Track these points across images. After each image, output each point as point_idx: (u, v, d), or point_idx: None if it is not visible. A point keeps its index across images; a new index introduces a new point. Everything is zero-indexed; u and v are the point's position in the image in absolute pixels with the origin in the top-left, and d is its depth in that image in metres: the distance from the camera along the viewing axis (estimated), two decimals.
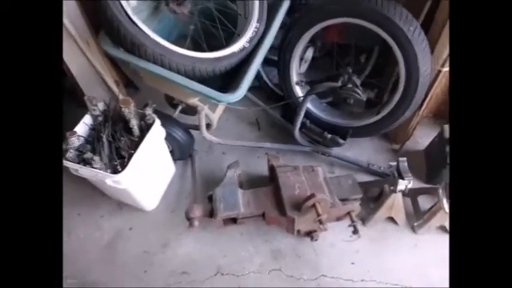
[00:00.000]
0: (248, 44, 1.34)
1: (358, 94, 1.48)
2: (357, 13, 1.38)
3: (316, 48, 1.71)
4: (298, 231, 1.44)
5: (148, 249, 1.54)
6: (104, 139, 1.34)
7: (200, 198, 1.63)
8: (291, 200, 1.37)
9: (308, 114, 1.73)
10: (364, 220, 1.57)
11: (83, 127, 1.38)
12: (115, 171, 1.30)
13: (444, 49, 1.37)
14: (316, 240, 1.49)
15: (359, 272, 1.45)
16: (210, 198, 1.44)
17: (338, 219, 1.45)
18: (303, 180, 1.44)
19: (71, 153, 1.30)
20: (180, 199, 1.68)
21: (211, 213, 1.41)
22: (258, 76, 1.92)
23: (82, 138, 1.36)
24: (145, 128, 1.40)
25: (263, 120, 1.95)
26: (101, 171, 1.29)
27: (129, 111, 1.32)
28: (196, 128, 1.62)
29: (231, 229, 1.53)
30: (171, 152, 1.65)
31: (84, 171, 1.32)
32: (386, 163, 1.71)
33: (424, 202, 1.60)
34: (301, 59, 1.67)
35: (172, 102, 1.67)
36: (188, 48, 1.25)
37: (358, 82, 1.55)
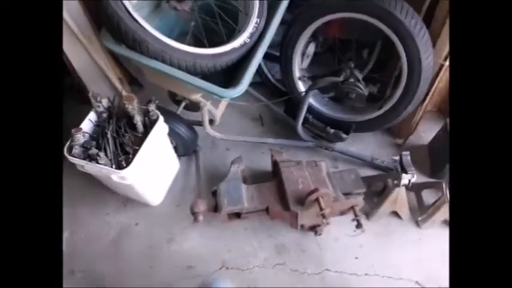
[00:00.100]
0: (249, 40, 1.34)
1: (360, 88, 1.48)
2: (358, 8, 1.38)
3: (318, 44, 1.71)
4: (302, 225, 1.45)
5: (154, 244, 1.56)
6: (109, 135, 1.36)
7: (204, 193, 1.65)
8: (294, 195, 1.38)
9: (311, 110, 1.74)
10: (368, 215, 1.58)
11: (88, 124, 1.40)
12: (120, 167, 1.32)
13: (446, 43, 1.37)
14: (320, 234, 1.50)
15: (363, 266, 1.46)
16: (214, 193, 1.46)
17: (342, 213, 1.45)
18: (306, 175, 1.44)
19: (76, 150, 1.33)
20: (185, 194, 1.70)
21: (215, 208, 1.43)
22: (260, 72, 1.93)
23: (87, 135, 1.38)
24: (149, 124, 1.42)
25: (266, 116, 1.96)
26: (106, 167, 1.31)
27: (133, 107, 1.34)
28: (200, 124, 1.64)
29: (235, 224, 1.54)
30: (175, 148, 1.67)
31: (90, 167, 1.34)
32: (389, 158, 1.71)
33: (428, 196, 1.59)
34: (303, 54, 1.67)
35: (175, 99, 1.69)
36: (189, 44, 1.26)
37: (360, 77, 1.55)
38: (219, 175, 1.64)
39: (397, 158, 1.44)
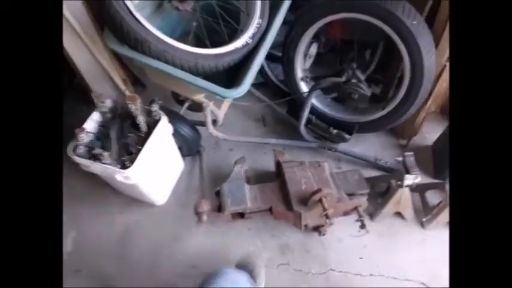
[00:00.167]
0: (251, 40, 1.35)
1: (362, 89, 1.48)
2: (360, 8, 1.38)
3: (321, 44, 1.71)
4: (306, 226, 1.44)
5: (159, 244, 1.56)
6: (112, 135, 1.37)
7: (208, 193, 1.65)
8: (297, 195, 1.38)
9: (313, 110, 1.74)
10: (372, 215, 1.57)
11: (91, 124, 1.41)
12: (124, 167, 1.32)
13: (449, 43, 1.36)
14: (324, 235, 1.49)
15: (367, 267, 1.45)
16: (218, 194, 1.46)
17: (345, 214, 1.45)
18: (309, 175, 1.44)
19: (80, 150, 1.33)
20: (189, 194, 1.70)
21: (219, 208, 1.43)
22: (263, 72, 1.93)
23: (91, 135, 1.39)
24: (152, 124, 1.42)
25: (269, 117, 1.96)
26: (111, 167, 1.31)
27: (136, 107, 1.34)
28: (203, 124, 1.64)
29: (239, 224, 1.54)
30: (179, 148, 1.67)
31: (94, 167, 1.35)
32: (393, 158, 1.70)
33: (433, 197, 1.58)
34: (306, 54, 1.68)
35: (178, 99, 1.69)
36: (191, 45, 1.26)
37: (362, 77, 1.55)
38: (222, 175, 1.64)
39: (401, 158, 1.44)
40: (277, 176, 1.54)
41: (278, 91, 1.95)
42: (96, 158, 1.31)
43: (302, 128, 1.69)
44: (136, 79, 1.95)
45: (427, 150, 1.77)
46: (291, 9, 1.50)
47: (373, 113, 1.66)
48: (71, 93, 1.90)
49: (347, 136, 1.68)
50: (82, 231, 1.62)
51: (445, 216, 1.46)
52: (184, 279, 1.46)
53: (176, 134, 1.57)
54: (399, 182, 1.43)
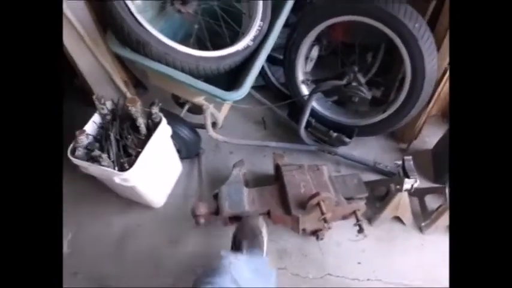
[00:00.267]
0: (252, 43, 1.35)
1: (363, 92, 1.48)
2: (361, 11, 1.37)
3: (322, 47, 1.71)
4: (304, 230, 1.44)
5: (157, 246, 1.56)
6: (112, 137, 1.37)
7: (206, 196, 1.65)
8: (295, 199, 1.37)
9: (314, 113, 1.73)
10: (370, 219, 1.56)
11: (91, 126, 1.41)
12: (122, 169, 1.32)
13: None
14: (321, 239, 1.49)
15: (365, 272, 1.45)
16: (216, 196, 1.46)
17: (344, 218, 1.44)
18: (308, 179, 1.44)
19: (79, 152, 1.34)
20: (187, 197, 1.70)
21: (216, 211, 1.43)
22: (264, 75, 1.93)
23: (91, 137, 1.39)
24: (152, 127, 1.42)
25: (269, 120, 1.96)
26: (109, 169, 1.32)
27: (136, 109, 1.35)
28: (203, 126, 1.64)
29: None
30: (178, 150, 1.68)
31: (93, 169, 1.35)
32: (393, 162, 1.69)
33: (432, 202, 1.58)
34: (307, 57, 1.67)
35: (179, 102, 1.70)
36: (193, 47, 1.27)
37: (363, 80, 1.54)
38: (221, 178, 1.64)
39: (400, 162, 1.43)
40: (276, 180, 1.54)
41: (279, 94, 1.95)
42: (94, 160, 1.31)
43: (302, 131, 1.69)
44: (138, 81, 1.95)
45: (427, 154, 1.77)
46: (293, 11, 1.50)
47: (373, 116, 1.66)
48: (71, 94, 1.91)
49: (347, 139, 1.68)
50: (80, 233, 1.63)
51: (444, 220, 1.46)
52: (181, 281, 1.45)
53: (176, 136, 1.57)
54: (398, 186, 1.42)
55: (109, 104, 1.43)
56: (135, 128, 1.41)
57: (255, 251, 1.26)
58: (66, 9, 1.34)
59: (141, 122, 1.39)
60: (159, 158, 1.48)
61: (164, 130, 1.45)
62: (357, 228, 1.36)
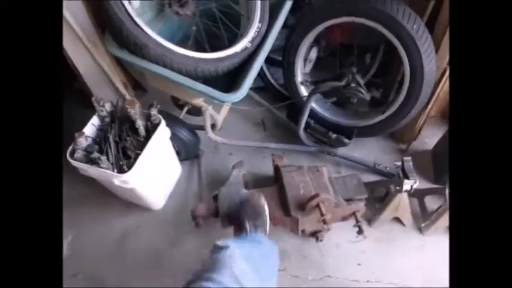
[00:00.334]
0: (250, 44, 1.35)
1: (362, 93, 1.48)
2: (360, 12, 1.38)
3: (321, 48, 1.71)
4: (303, 231, 1.44)
5: (156, 248, 1.56)
6: (111, 139, 1.37)
7: (206, 197, 1.65)
8: (295, 200, 1.37)
9: (313, 114, 1.73)
10: (370, 221, 1.56)
11: (91, 128, 1.42)
12: (121, 171, 1.32)
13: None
14: (321, 240, 1.49)
15: (365, 273, 1.44)
16: (216, 198, 1.46)
17: (343, 219, 1.44)
18: (307, 180, 1.44)
19: (79, 154, 1.34)
20: (187, 199, 1.70)
21: (216, 212, 1.43)
22: (263, 76, 1.93)
23: (90, 139, 1.39)
24: (151, 129, 1.42)
25: (269, 121, 1.96)
26: (108, 171, 1.32)
27: (135, 111, 1.35)
28: (202, 128, 1.64)
29: None
30: (178, 152, 1.68)
31: (92, 171, 1.35)
32: (393, 163, 1.69)
33: (432, 202, 1.57)
34: (306, 59, 1.68)
35: (178, 103, 1.70)
36: (191, 49, 1.27)
37: (361, 81, 1.54)
38: (221, 179, 1.64)
39: (400, 163, 1.43)
40: (276, 181, 1.54)
41: (278, 95, 1.95)
42: (93, 162, 1.31)
43: (301, 132, 1.69)
44: (137, 83, 1.96)
45: (426, 154, 1.77)
46: (291, 12, 1.50)
47: (372, 117, 1.66)
48: (71, 96, 1.91)
49: (346, 140, 1.68)
50: (80, 235, 1.63)
51: (443, 221, 1.45)
52: (181, 282, 1.45)
53: (175, 138, 1.57)
54: (398, 187, 1.42)
55: (108, 106, 1.43)
56: (134, 130, 1.42)
57: (258, 231, 1.22)
58: (65, 11, 1.35)
59: (140, 124, 1.40)
60: (158, 160, 1.48)
61: (163, 132, 1.45)
62: (357, 229, 1.36)
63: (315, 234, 1.47)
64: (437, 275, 1.39)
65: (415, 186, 1.38)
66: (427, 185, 1.65)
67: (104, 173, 1.32)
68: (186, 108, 1.68)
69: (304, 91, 1.74)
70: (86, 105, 1.70)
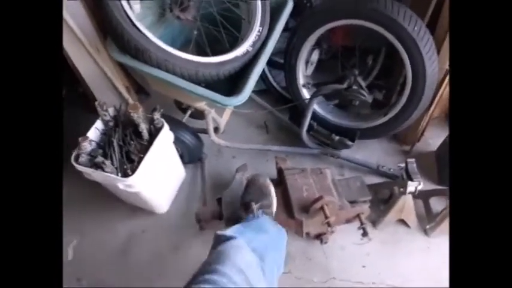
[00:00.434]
0: (251, 48, 1.35)
1: (363, 95, 1.48)
2: (361, 14, 1.38)
3: (322, 51, 1.71)
4: (307, 233, 1.43)
5: (161, 252, 1.56)
6: (115, 143, 1.38)
7: (210, 201, 1.65)
8: (299, 203, 1.37)
9: (316, 117, 1.73)
10: (374, 223, 1.55)
11: (94, 132, 1.42)
12: (125, 175, 1.33)
13: None
14: (326, 243, 1.49)
15: (370, 275, 1.44)
16: (219, 201, 1.46)
17: (347, 221, 1.44)
18: (310, 182, 1.43)
19: (83, 158, 1.35)
20: (191, 202, 1.71)
21: (220, 216, 1.43)
22: (265, 79, 1.94)
23: (94, 143, 1.40)
24: (154, 132, 1.43)
25: (271, 124, 1.96)
26: (112, 175, 1.33)
27: (138, 116, 1.36)
28: (205, 131, 1.65)
29: None
30: (181, 156, 1.68)
31: (96, 175, 1.36)
32: (396, 165, 1.69)
33: (437, 204, 1.57)
34: (307, 61, 1.68)
35: (181, 107, 1.70)
36: (192, 53, 1.27)
37: (363, 84, 1.54)
38: (224, 182, 1.65)
39: (403, 165, 1.43)
40: (279, 183, 1.54)
41: (280, 98, 1.95)
42: (98, 166, 1.32)
43: (304, 135, 1.69)
44: (140, 87, 1.97)
45: (430, 156, 1.76)
46: (293, 15, 1.51)
47: (375, 119, 1.65)
48: (74, 100, 1.93)
49: (349, 142, 1.67)
50: (85, 239, 1.63)
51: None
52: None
53: (178, 142, 1.58)
54: (402, 189, 1.42)
55: (111, 111, 1.44)
56: (138, 134, 1.42)
57: (264, 214, 1.20)
58: (67, 16, 1.36)
59: (144, 127, 1.40)
60: (162, 163, 1.49)
61: (166, 135, 1.46)
62: (361, 231, 1.35)
63: (319, 237, 1.47)
64: (443, 277, 1.38)
65: (419, 187, 1.37)
66: (431, 186, 1.64)
67: (108, 177, 1.33)
68: (189, 112, 1.69)
69: (306, 94, 1.74)
70: (89, 110, 1.72)
